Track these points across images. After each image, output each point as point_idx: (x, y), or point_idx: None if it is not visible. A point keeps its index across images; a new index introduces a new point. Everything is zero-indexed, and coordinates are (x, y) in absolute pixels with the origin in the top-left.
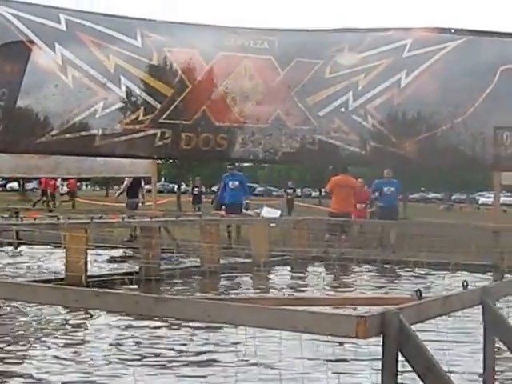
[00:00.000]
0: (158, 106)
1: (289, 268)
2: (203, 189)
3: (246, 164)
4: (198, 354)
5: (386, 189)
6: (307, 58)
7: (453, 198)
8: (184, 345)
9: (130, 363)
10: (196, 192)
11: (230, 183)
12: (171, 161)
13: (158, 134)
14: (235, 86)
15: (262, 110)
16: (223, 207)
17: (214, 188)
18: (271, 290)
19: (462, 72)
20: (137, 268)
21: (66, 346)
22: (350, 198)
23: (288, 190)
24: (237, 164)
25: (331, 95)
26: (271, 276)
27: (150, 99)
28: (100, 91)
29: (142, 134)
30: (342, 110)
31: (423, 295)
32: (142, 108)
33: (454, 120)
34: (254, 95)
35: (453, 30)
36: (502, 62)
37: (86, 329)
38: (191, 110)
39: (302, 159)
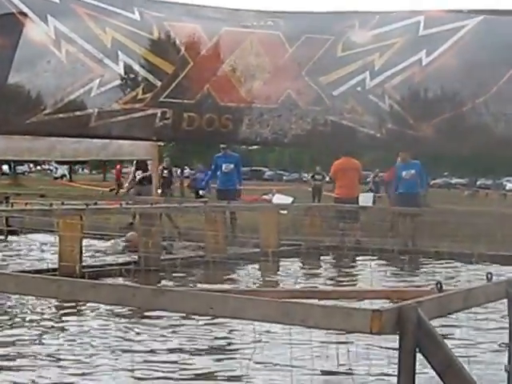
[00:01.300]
0: (159, 83)
1: (299, 258)
2: (175, 171)
3: (254, 146)
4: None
5: (404, 173)
6: (317, 34)
7: (478, 183)
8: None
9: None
10: (165, 175)
11: (224, 166)
12: (173, 143)
13: (159, 114)
14: (241, 63)
15: (270, 90)
16: (201, 192)
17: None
18: (280, 282)
19: (485, 51)
20: (136, 258)
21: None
22: (355, 181)
23: (316, 176)
24: (244, 147)
25: (346, 75)
26: (280, 267)
27: (149, 76)
28: (96, 68)
29: (141, 113)
30: (359, 89)
31: (444, 288)
32: (141, 86)
33: (475, 100)
34: (261, 73)
35: (466, 11)
36: None
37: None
38: (194, 89)
39: (312, 142)
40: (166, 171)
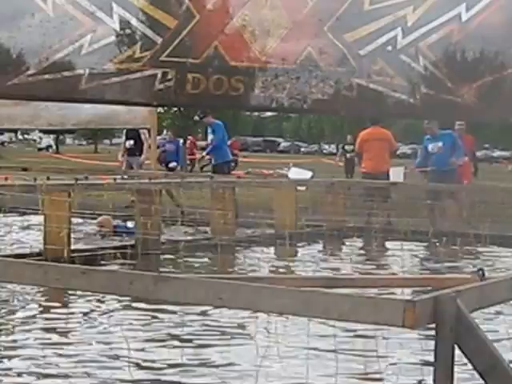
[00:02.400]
0: (159, 40)
1: (320, 241)
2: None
3: (268, 113)
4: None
5: (430, 146)
6: None
7: None
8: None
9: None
10: (129, 146)
11: (209, 137)
12: (175, 109)
13: (159, 75)
14: (254, 17)
15: (288, 48)
16: (171, 165)
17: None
18: (298, 269)
19: None
20: (132, 241)
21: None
22: (384, 153)
23: (347, 147)
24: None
25: (375, 31)
26: (298, 251)
27: (149, 32)
28: (87, 22)
29: (138, 74)
30: (389, 48)
31: (486, 275)
32: (139, 43)
33: None
34: (276, 29)
35: None
36: None
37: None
38: (200, 46)
39: (336, 108)
40: (131, 142)
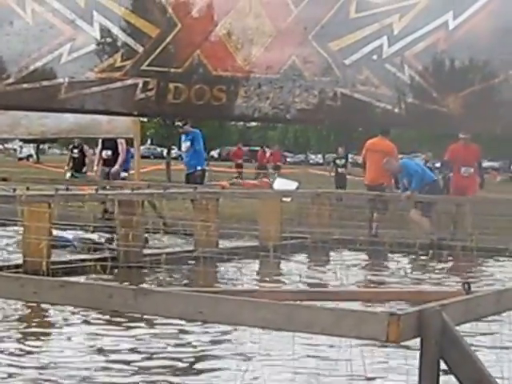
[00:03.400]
0: (141, 49)
1: (305, 253)
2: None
3: (253, 123)
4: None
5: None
6: None
7: None
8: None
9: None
10: (76, 155)
11: (183, 146)
12: (158, 118)
13: (140, 85)
14: (237, 25)
15: (272, 57)
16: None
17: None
18: (282, 281)
19: None
20: (114, 252)
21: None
22: (374, 165)
23: (338, 161)
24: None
25: (360, 40)
26: (282, 263)
27: (130, 41)
28: (67, 30)
29: (119, 84)
30: (375, 57)
31: (472, 289)
32: (120, 52)
33: (509, 70)
34: (260, 38)
35: None
36: None
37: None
38: (182, 55)
39: (320, 118)
40: (76, 150)
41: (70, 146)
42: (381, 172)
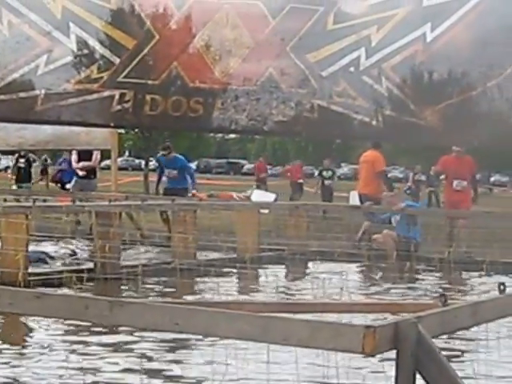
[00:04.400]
0: (117, 60)
1: (283, 265)
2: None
3: (232, 135)
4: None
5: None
6: (304, 4)
7: (492, 179)
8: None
9: None
10: (22, 164)
11: (166, 171)
12: (136, 130)
13: (117, 96)
14: (215, 37)
15: (249, 69)
16: (68, 186)
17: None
18: (259, 293)
19: (499, 26)
20: (91, 264)
21: None
22: (368, 176)
23: (324, 173)
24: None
25: (338, 52)
26: (260, 275)
27: (106, 52)
28: (43, 42)
29: (95, 95)
30: (352, 69)
31: (449, 301)
32: (97, 63)
33: (486, 83)
34: (238, 49)
35: None
36: None
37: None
38: (159, 67)
39: (297, 130)
40: (22, 160)
41: (16, 156)
42: (367, 182)
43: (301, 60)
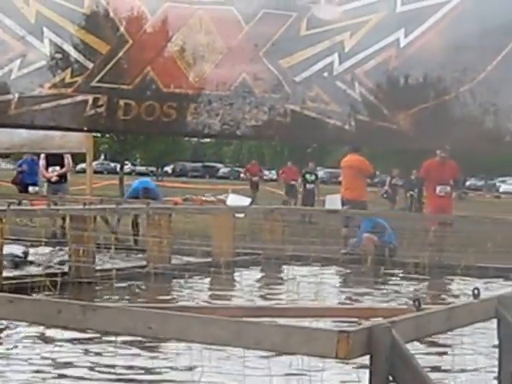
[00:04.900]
0: (91, 65)
1: (258, 269)
2: None
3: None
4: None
5: None
6: (277, 9)
7: (467, 184)
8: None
9: None
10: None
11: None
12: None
13: (90, 101)
14: (188, 42)
15: (223, 74)
16: (31, 189)
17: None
18: (234, 298)
19: (472, 31)
20: (66, 268)
21: None
22: (353, 181)
23: (307, 176)
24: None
25: (311, 57)
26: (235, 279)
27: (80, 57)
28: (17, 46)
29: (69, 100)
30: (325, 74)
31: (423, 306)
32: (70, 68)
33: (459, 88)
34: (211, 54)
35: None
36: None
37: None
38: (132, 72)
39: (270, 134)
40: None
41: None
42: (351, 187)
43: (274, 65)
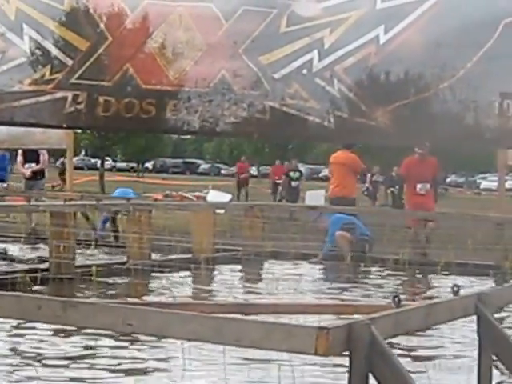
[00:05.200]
0: (70, 62)
1: (238, 266)
2: None
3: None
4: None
5: None
6: (257, 6)
7: (448, 180)
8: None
9: None
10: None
11: None
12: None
13: (69, 98)
14: (168, 38)
15: (202, 71)
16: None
17: None
18: (213, 294)
19: (452, 28)
20: (46, 264)
21: None
22: (343, 178)
23: (292, 173)
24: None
25: (291, 54)
26: (215, 276)
27: (59, 54)
28: None
29: (48, 97)
30: (305, 71)
31: (402, 302)
32: (50, 65)
33: (439, 84)
34: (191, 51)
35: None
36: (506, 14)
37: None
38: (112, 68)
39: (249, 131)
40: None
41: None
42: (341, 184)
43: (253, 62)
